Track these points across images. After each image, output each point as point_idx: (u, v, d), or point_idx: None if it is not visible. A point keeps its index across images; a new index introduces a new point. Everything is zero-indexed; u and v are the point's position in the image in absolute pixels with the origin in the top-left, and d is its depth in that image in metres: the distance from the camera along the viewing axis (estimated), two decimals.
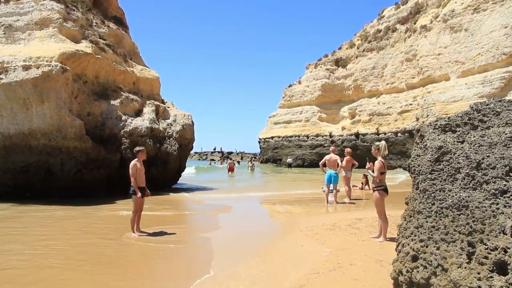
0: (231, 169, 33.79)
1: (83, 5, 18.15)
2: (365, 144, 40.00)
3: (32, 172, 13.99)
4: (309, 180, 24.55)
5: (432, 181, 3.68)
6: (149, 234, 8.02)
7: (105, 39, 17.50)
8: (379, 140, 36.79)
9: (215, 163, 59.52)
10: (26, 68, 13.51)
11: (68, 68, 13.92)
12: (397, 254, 4.01)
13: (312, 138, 46.35)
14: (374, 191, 7.32)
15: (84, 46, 15.56)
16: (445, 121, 3.96)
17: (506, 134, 3.48)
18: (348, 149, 14.13)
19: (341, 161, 13.06)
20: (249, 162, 39.53)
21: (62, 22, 15.59)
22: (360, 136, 40.90)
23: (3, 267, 5.83)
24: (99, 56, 16.02)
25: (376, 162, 7.22)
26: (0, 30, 15.12)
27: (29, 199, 13.21)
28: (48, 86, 13.39)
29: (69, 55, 14.40)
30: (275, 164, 47.91)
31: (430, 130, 4.00)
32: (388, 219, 7.34)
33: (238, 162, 53.26)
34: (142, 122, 16.65)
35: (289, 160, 44.64)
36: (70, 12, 16.54)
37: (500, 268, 2.97)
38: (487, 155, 3.41)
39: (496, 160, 3.34)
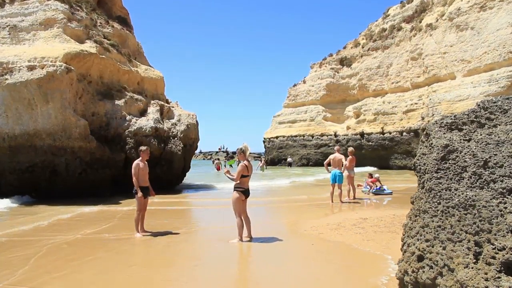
0: (218, 168, 35.43)
1: (88, 5, 18.21)
2: (370, 143, 39.87)
3: (38, 172, 14.04)
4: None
5: (438, 180, 3.62)
6: (153, 234, 8.00)
7: (109, 39, 17.55)
8: (384, 140, 36.38)
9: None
10: (30, 68, 13.56)
11: (72, 68, 13.96)
12: (403, 254, 3.96)
13: (317, 138, 46.27)
14: (234, 190, 7.18)
15: (89, 46, 15.61)
16: (451, 119, 3.90)
17: None
18: (351, 149, 14.05)
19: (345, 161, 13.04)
20: (260, 162, 37.45)
21: (67, 22, 15.64)
22: (365, 135, 40.75)
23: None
24: (103, 56, 16.06)
25: (239, 165, 7.12)
26: (5, 30, 15.20)
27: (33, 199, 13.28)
28: (53, 86, 13.44)
29: (74, 55, 14.45)
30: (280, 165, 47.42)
31: (436, 128, 3.94)
32: (243, 222, 7.15)
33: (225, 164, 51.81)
34: (147, 122, 16.67)
35: (289, 159, 45.73)
36: (75, 12, 16.60)
37: (508, 268, 2.91)
38: (494, 153, 3.35)
39: (504, 158, 3.28)
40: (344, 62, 48.28)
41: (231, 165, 31.25)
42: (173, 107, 19.83)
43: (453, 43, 31.52)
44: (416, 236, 3.75)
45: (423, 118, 33.10)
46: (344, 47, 51.65)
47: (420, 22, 38.38)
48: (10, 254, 6.56)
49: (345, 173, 13.27)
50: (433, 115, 30.65)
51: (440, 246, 3.41)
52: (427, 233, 3.59)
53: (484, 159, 3.37)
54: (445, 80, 31.92)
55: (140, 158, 8.13)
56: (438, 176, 3.63)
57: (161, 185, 14.72)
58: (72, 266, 5.85)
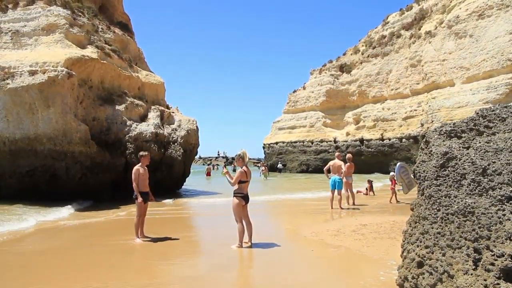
0: (208, 174, 35.90)
1: (89, 11, 18.33)
2: (370, 150, 39.91)
3: (38, 176, 14.05)
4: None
5: (438, 187, 3.66)
6: (153, 239, 8.01)
7: (110, 45, 17.64)
8: (384, 146, 36.27)
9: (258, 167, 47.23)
10: (32, 73, 13.62)
11: (74, 73, 14.02)
12: (403, 260, 3.98)
13: (317, 144, 46.28)
14: (233, 196, 7.23)
15: (90, 52, 15.69)
16: (451, 126, 3.95)
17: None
18: (349, 155, 14.15)
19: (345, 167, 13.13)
20: (262, 167, 36.58)
21: (69, 28, 15.74)
22: (364, 141, 40.80)
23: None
24: (104, 61, 16.13)
25: (238, 171, 7.18)
26: (8, 35, 15.29)
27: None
28: (54, 91, 13.49)
29: (75, 60, 14.52)
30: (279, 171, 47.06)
31: (436, 136, 3.98)
32: (244, 227, 7.16)
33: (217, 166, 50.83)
34: (147, 127, 16.71)
35: (280, 165, 46.53)
36: (76, 18, 16.70)
37: (507, 275, 2.94)
38: (493, 161, 3.39)
39: (502, 166, 3.32)
40: (344, 68, 48.41)
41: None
42: (173, 112, 19.90)
43: (452, 50, 31.68)
44: (416, 242, 3.78)
45: (422, 125, 33.18)
46: (344, 54, 51.79)
47: (419, 29, 38.58)
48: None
49: (344, 179, 13.32)
50: (432, 121, 30.73)
51: (440, 253, 3.44)
52: (427, 239, 3.62)
53: (483, 166, 3.41)
54: (444, 87, 32.03)
55: (140, 163, 8.15)
56: (438, 183, 3.67)
57: (161, 190, 14.75)
58: (70, 270, 5.86)
